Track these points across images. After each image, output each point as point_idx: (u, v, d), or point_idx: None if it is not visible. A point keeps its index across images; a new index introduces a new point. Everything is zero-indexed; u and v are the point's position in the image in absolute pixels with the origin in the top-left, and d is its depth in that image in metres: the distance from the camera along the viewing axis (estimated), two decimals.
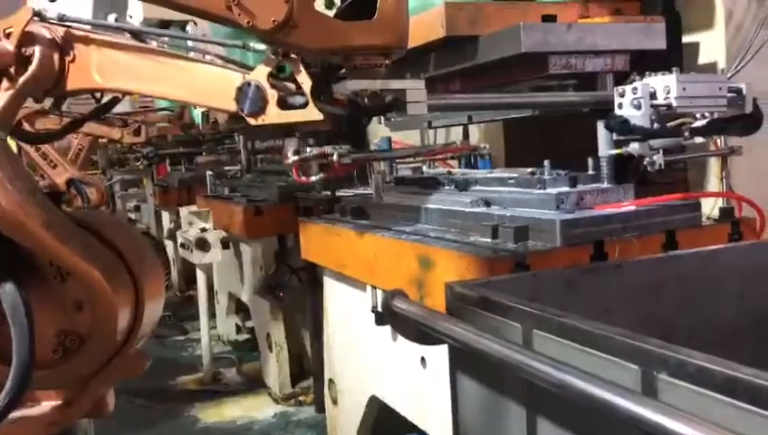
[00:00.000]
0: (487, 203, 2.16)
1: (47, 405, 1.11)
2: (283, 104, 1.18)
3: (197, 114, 5.51)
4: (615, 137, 1.79)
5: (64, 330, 1.04)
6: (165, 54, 1.22)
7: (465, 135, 3.50)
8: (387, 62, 1.21)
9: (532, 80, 2.10)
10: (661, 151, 1.82)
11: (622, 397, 0.89)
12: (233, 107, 1.18)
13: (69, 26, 1.20)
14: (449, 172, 2.88)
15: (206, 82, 1.19)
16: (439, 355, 1.86)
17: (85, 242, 1.05)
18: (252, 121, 1.19)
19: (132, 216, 7.50)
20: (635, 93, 1.64)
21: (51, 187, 4.23)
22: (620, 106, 1.68)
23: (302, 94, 1.16)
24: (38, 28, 1.15)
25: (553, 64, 2.00)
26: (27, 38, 1.13)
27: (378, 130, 3.96)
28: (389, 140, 3.18)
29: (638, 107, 1.63)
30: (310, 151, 2.13)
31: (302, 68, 1.17)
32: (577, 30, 2.06)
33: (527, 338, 1.20)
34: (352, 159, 2.12)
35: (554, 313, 1.16)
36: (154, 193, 6.77)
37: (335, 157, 2.05)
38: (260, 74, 1.17)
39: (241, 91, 1.16)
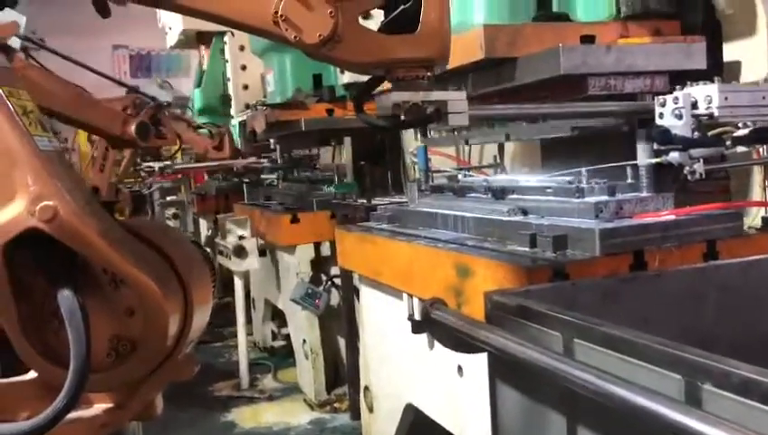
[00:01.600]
0: (524, 212, 2.16)
1: (100, 407, 1.15)
2: None
3: (236, 124, 5.59)
4: (655, 146, 1.78)
5: (117, 335, 1.07)
6: None
7: (500, 147, 3.50)
8: (429, 74, 1.23)
9: (571, 101, 2.10)
10: (701, 160, 1.80)
11: (667, 407, 0.89)
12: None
13: None
14: (486, 180, 2.88)
15: None
16: (477, 364, 1.87)
17: (137, 250, 1.08)
18: None
19: (171, 223, 7.64)
20: (676, 103, 1.63)
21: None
22: (661, 116, 1.68)
23: None
24: None
25: (592, 86, 1.99)
26: None
27: (412, 140, 3.98)
28: (425, 149, 3.20)
29: (680, 117, 1.62)
30: None
31: None
32: (616, 52, 2.04)
33: (568, 347, 1.20)
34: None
35: (596, 322, 1.16)
36: (192, 201, 6.89)
37: None
38: None
39: None
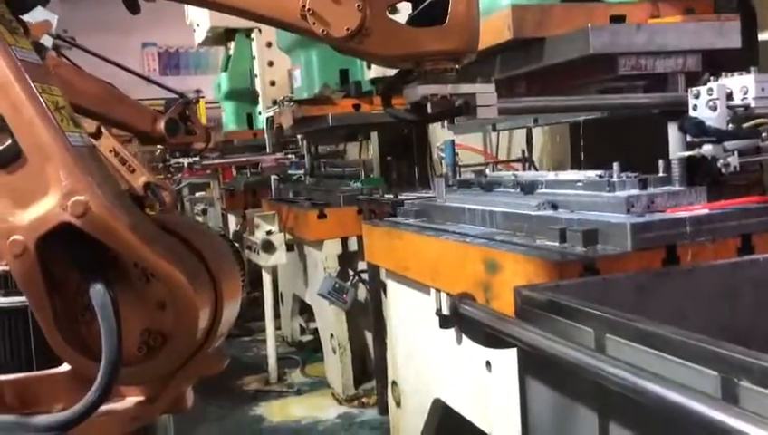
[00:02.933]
0: (554, 206, 2.14)
1: (131, 401, 1.16)
2: None
3: (262, 120, 5.63)
4: (688, 138, 1.75)
5: (148, 329, 1.08)
6: None
7: (529, 138, 3.47)
8: (457, 66, 1.22)
9: (601, 82, 2.06)
10: (736, 153, 1.77)
11: (703, 404, 0.87)
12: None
13: None
14: (514, 175, 2.86)
15: None
16: (505, 359, 1.85)
17: (168, 244, 1.09)
18: None
19: (200, 219, 7.72)
20: (710, 94, 1.60)
21: (129, 190, 4.45)
22: (695, 108, 1.64)
23: None
24: None
25: (623, 65, 1.95)
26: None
27: (440, 134, 3.97)
28: (453, 143, 3.19)
29: (714, 108, 1.59)
30: None
31: None
32: (646, 30, 2.00)
33: (600, 343, 1.19)
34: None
35: (629, 317, 1.14)
36: (221, 197, 6.95)
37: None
38: None
39: None
